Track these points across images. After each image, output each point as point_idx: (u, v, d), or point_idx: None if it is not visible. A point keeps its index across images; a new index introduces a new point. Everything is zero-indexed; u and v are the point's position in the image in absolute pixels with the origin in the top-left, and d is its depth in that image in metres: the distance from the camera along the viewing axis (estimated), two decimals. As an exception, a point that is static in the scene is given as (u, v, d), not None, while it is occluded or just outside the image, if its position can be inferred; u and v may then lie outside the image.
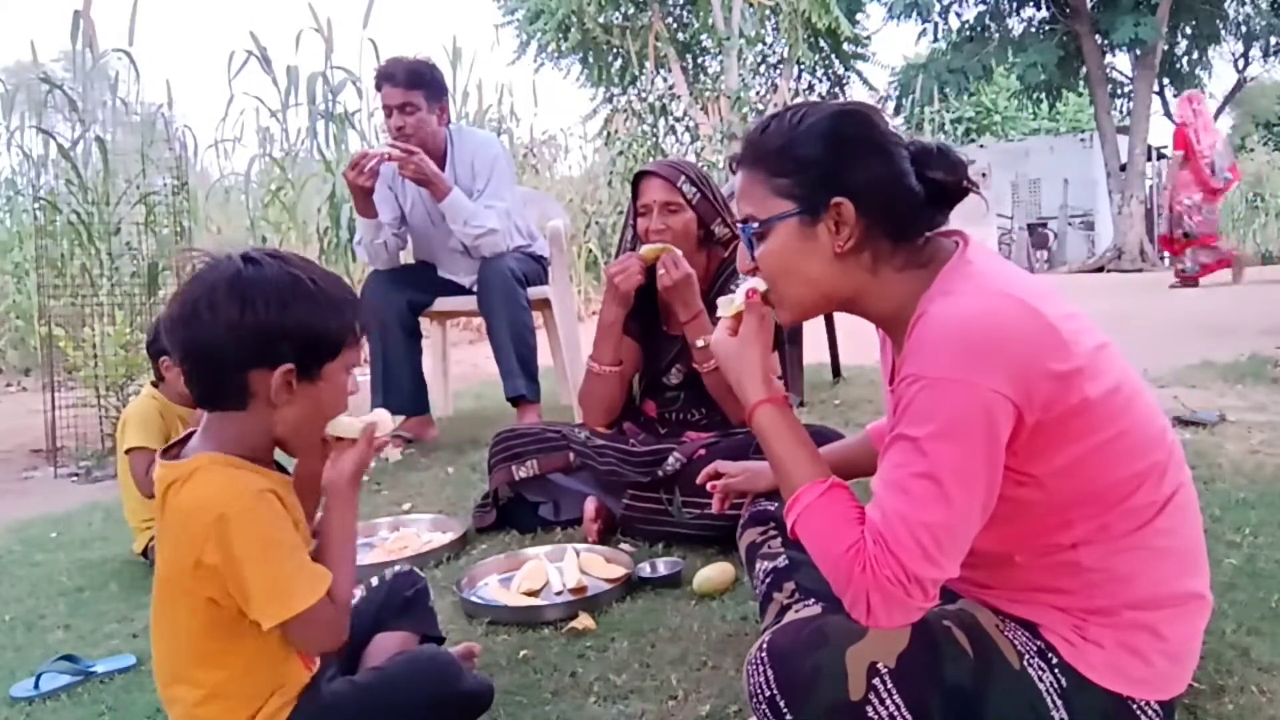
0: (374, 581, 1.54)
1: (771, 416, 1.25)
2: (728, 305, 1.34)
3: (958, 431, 1.05)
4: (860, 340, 4.40)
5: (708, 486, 1.66)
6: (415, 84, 3.32)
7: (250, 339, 1.13)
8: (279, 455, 1.27)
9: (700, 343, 2.23)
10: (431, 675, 1.33)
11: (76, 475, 3.85)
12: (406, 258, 3.78)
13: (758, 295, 1.30)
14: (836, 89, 17.66)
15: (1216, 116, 24.20)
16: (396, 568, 1.59)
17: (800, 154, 1.18)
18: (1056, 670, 1.12)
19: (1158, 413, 1.18)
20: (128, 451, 2.40)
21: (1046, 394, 1.06)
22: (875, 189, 1.16)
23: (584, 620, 1.86)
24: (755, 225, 1.21)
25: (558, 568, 2.11)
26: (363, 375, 5.49)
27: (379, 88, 3.38)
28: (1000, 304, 1.09)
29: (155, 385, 2.48)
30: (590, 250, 8.68)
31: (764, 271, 1.23)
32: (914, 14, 15.61)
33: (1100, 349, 1.11)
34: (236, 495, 1.13)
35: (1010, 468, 1.08)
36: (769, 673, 1.11)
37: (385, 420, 1.28)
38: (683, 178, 2.40)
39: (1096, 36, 14.78)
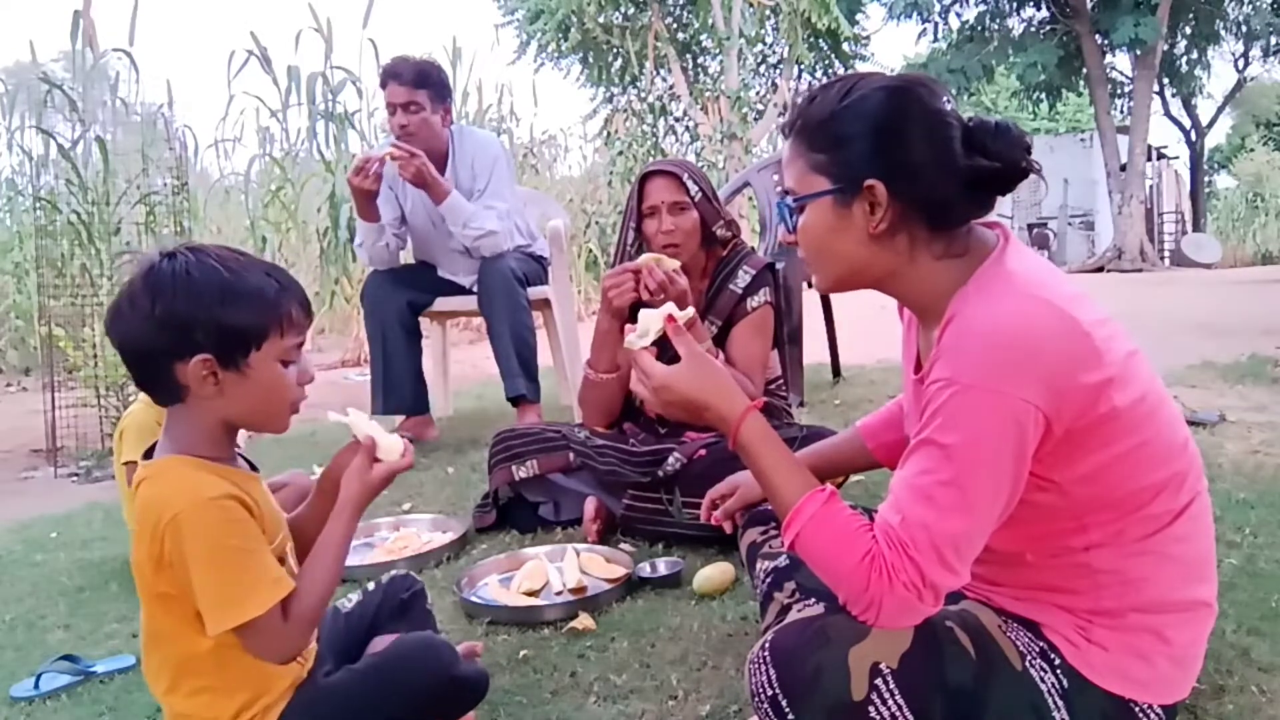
0: (370, 586, 1.54)
1: (757, 428, 1.22)
2: (640, 339, 1.30)
3: (987, 441, 1.04)
4: (860, 340, 4.43)
5: (712, 521, 1.65)
6: (421, 83, 3.32)
7: (164, 331, 1.14)
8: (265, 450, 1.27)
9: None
10: (425, 659, 1.32)
11: (76, 475, 3.85)
12: (406, 258, 3.78)
13: (675, 321, 1.29)
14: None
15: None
16: (393, 571, 1.59)
17: (840, 131, 1.15)
18: (1059, 671, 1.12)
19: (1180, 422, 1.17)
20: (125, 464, 2.37)
21: (1077, 404, 1.05)
22: (913, 173, 1.13)
23: (584, 620, 1.86)
24: (792, 200, 1.20)
25: (558, 568, 2.11)
26: (362, 375, 5.46)
27: (384, 85, 3.37)
28: (1036, 311, 1.07)
29: None
30: (590, 250, 8.68)
31: (801, 246, 1.22)
32: (914, 14, 15.62)
33: (1130, 356, 1.10)
34: (191, 498, 1.13)
35: (1032, 473, 1.08)
36: (771, 672, 1.10)
37: (391, 446, 1.30)
38: (687, 175, 2.41)
39: (1096, 36, 14.79)
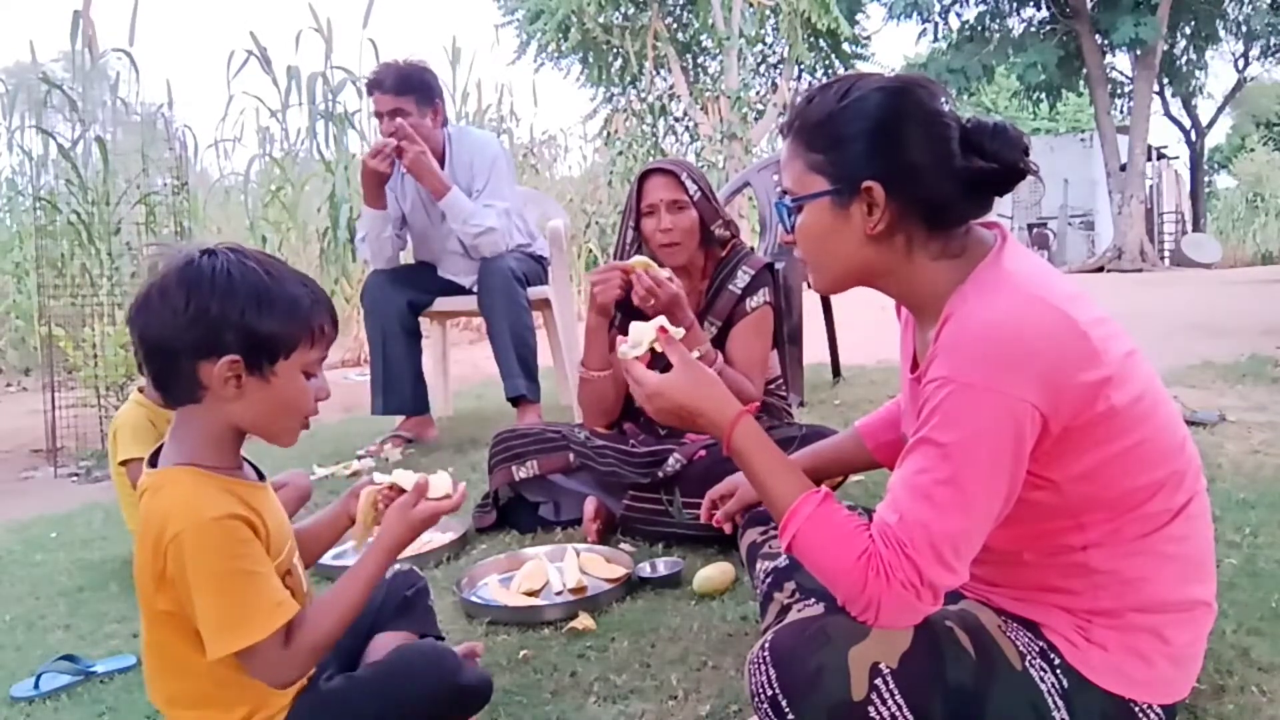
0: None
1: (750, 432, 1.22)
2: (633, 349, 1.32)
3: (985, 439, 1.04)
4: (860, 340, 4.43)
5: (713, 522, 1.65)
6: (404, 90, 3.32)
7: (194, 328, 1.12)
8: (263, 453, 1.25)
9: (695, 354, 2.22)
10: (429, 667, 1.31)
11: (76, 475, 3.85)
12: (406, 258, 3.78)
13: (667, 332, 1.30)
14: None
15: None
16: (396, 568, 1.58)
17: (838, 132, 1.15)
18: (1058, 671, 1.12)
19: (1179, 422, 1.17)
20: (124, 463, 2.36)
21: (1075, 403, 1.05)
22: (911, 174, 1.13)
23: (584, 620, 1.86)
24: (790, 200, 1.20)
25: (558, 568, 2.11)
26: (362, 375, 5.45)
27: (370, 94, 3.39)
28: (1034, 310, 1.07)
29: (141, 391, 2.46)
30: (590, 250, 8.68)
31: (799, 246, 1.22)
32: (914, 14, 15.61)
33: (1128, 356, 1.10)
34: (194, 518, 1.11)
35: (1029, 471, 1.08)
36: (771, 672, 1.10)
37: (440, 485, 1.31)
38: (686, 174, 2.41)
39: (1096, 36, 14.78)
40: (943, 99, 1.16)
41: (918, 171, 1.13)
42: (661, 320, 1.33)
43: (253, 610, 1.12)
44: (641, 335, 1.32)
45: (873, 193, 1.13)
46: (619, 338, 1.35)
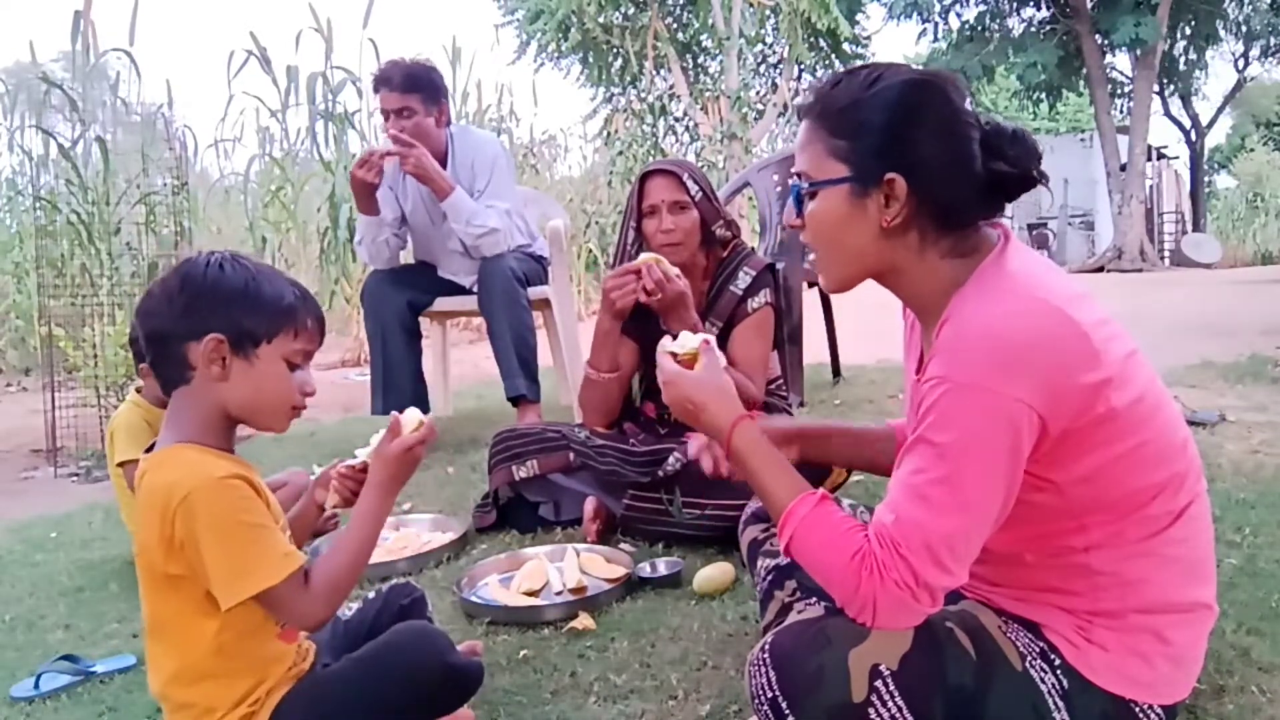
0: (370, 594, 1.56)
1: (749, 434, 1.23)
2: (681, 346, 1.35)
3: (981, 440, 1.04)
4: (860, 340, 4.43)
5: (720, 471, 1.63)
6: (412, 88, 3.31)
7: (183, 312, 1.22)
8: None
9: None
10: (419, 644, 1.35)
11: (76, 475, 3.85)
12: (406, 258, 3.78)
13: (709, 344, 1.34)
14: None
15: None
16: (393, 580, 1.60)
17: (863, 119, 1.13)
18: (1059, 671, 1.12)
19: (1180, 424, 1.17)
20: (121, 464, 2.37)
21: (1074, 405, 1.05)
22: (934, 169, 1.12)
23: (584, 620, 1.86)
24: (806, 184, 1.18)
25: (558, 568, 2.11)
26: (362, 375, 5.45)
27: (376, 91, 3.38)
28: (1035, 311, 1.06)
29: (139, 392, 2.46)
30: (590, 250, 8.67)
31: (808, 232, 1.20)
32: (914, 14, 15.62)
33: (1129, 357, 1.10)
34: (201, 478, 1.18)
35: (1030, 473, 1.07)
36: (771, 674, 1.10)
37: (408, 420, 1.37)
38: (687, 175, 2.41)
39: (1096, 36, 14.80)
40: (967, 98, 1.16)
41: (941, 169, 1.12)
42: (709, 336, 1.39)
43: (264, 558, 1.18)
44: (687, 341, 1.38)
45: (895, 185, 1.12)
46: (665, 337, 1.38)
